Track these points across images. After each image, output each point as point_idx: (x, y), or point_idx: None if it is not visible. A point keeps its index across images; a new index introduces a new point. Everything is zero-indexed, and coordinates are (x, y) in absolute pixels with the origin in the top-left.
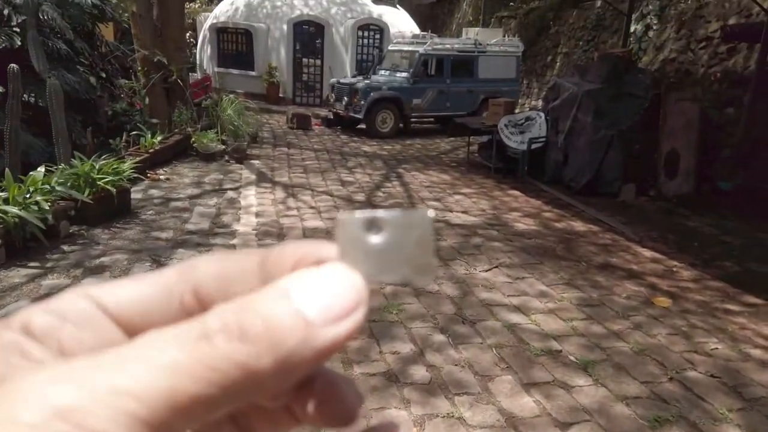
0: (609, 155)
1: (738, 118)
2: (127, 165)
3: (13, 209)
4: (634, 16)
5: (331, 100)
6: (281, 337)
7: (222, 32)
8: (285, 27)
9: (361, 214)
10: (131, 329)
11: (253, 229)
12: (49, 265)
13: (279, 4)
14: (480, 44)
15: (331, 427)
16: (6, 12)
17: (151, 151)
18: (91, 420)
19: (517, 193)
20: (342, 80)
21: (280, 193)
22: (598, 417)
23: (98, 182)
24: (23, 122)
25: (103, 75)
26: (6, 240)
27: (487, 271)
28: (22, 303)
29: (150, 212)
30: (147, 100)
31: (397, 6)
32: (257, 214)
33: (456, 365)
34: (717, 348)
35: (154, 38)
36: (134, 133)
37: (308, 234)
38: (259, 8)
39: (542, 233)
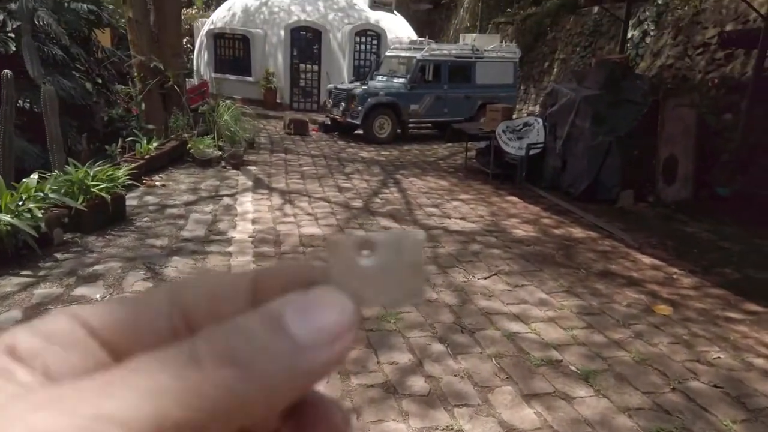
0: (607, 161)
1: (736, 124)
2: (122, 171)
3: (5, 217)
4: (631, 22)
5: (329, 105)
6: (270, 362)
7: (219, 38)
8: (282, 33)
9: (352, 236)
10: (118, 351)
11: (249, 236)
12: (41, 273)
13: (276, 9)
14: (477, 50)
15: None
16: (1, 17)
17: (147, 157)
18: None
19: (515, 199)
20: (339, 86)
21: (276, 200)
22: (600, 429)
23: (92, 189)
24: (18, 128)
25: (100, 81)
26: None
27: (486, 278)
28: (14, 312)
29: (145, 219)
30: (143, 105)
31: (395, 12)
32: (254, 221)
33: (455, 376)
34: (719, 357)
35: (151, 44)
36: (130, 139)
37: (305, 241)
38: (256, 14)
39: (541, 240)
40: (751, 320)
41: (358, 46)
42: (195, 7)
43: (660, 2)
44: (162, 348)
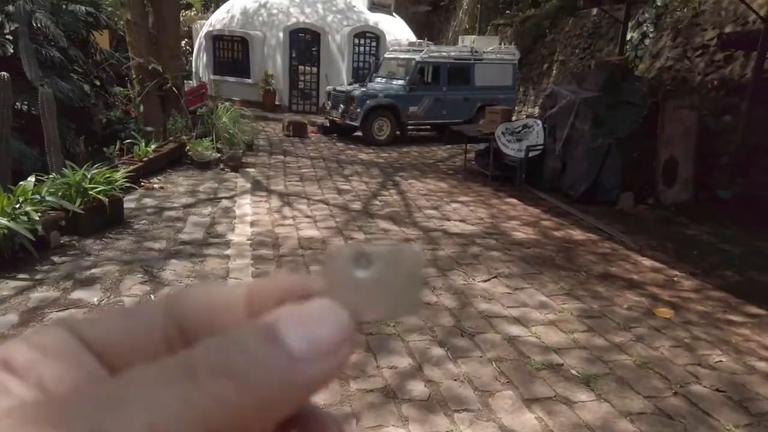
0: (607, 163)
1: (735, 125)
2: (120, 174)
3: (2, 220)
4: (630, 24)
5: (328, 107)
6: (265, 374)
7: (218, 40)
8: (281, 35)
9: (348, 248)
10: (113, 364)
11: (247, 239)
12: (38, 277)
13: (275, 11)
14: (476, 52)
15: None
16: None
17: (145, 159)
18: None
19: (515, 201)
20: (338, 88)
21: (275, 202)
22: None
23: (90, 192)
24: (16, 130)
25: (98, 83)
26: None
27: (485, 281)
28: (11, 316)
29: (143, 222)
30: (142, 108)
31: (393, 14)
32: (252, 224)
33: (455, 380)
34: (721, 361)
35: (149, 46)
36: (128, 141)
37: (304, 244)
38: (255, 16)
39: (541, 242)
40: (752, 323)
41: (357, 48)
42: (194, 9)
43: (659, 4)
44: (157, 360)
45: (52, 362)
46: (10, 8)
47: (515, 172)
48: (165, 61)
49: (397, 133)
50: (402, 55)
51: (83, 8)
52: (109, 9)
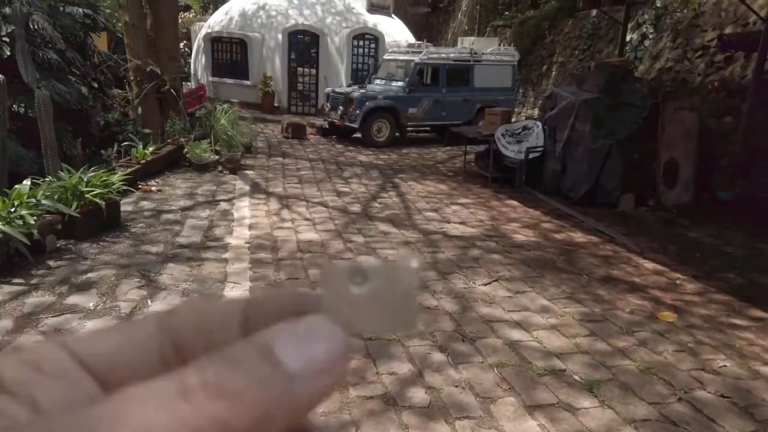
0: (607, 165)
1: (736, 127)
2: (117, 177)
3: None
4: (629, 25)
5: (327, 109)
6: (261, 393)
7: (216, 42)
8: (280, 36)
9: (344, 264)
10: (108, 382)
11: (246, 242)
12: (33, 281)
13: (274, 13)
14: (475, 53)
15: None
16: None
17: (142, 161)
18: None
19: (515, 203)
20: (337, 89)
21: (274, 205)
22: None
23: (86, 195)
24: (13, 133)
25: (96, 85)
26: None
27: (486, 284)
28: (5, 322)
29: (140, 225)
30: (140, 110)
31: (393, 15)
32: (251, 227)
33: (456, 386)
34: (725, 365)
35: (148, 48)
36: (126, 143)
37: (302, 247)
38: (253, 18)
39: (542, 245)
40: (756, 327)
41: (356, 50)
42: (192, 10)
43: (659, 5)
44: (152, 379)
45: (45, 381)
46: (7, 10)
47: (515, 173)
48: (163, 63)
49: (397, 134)
50: (401, 57)
51: (81, 10)
52: (107, 11)
